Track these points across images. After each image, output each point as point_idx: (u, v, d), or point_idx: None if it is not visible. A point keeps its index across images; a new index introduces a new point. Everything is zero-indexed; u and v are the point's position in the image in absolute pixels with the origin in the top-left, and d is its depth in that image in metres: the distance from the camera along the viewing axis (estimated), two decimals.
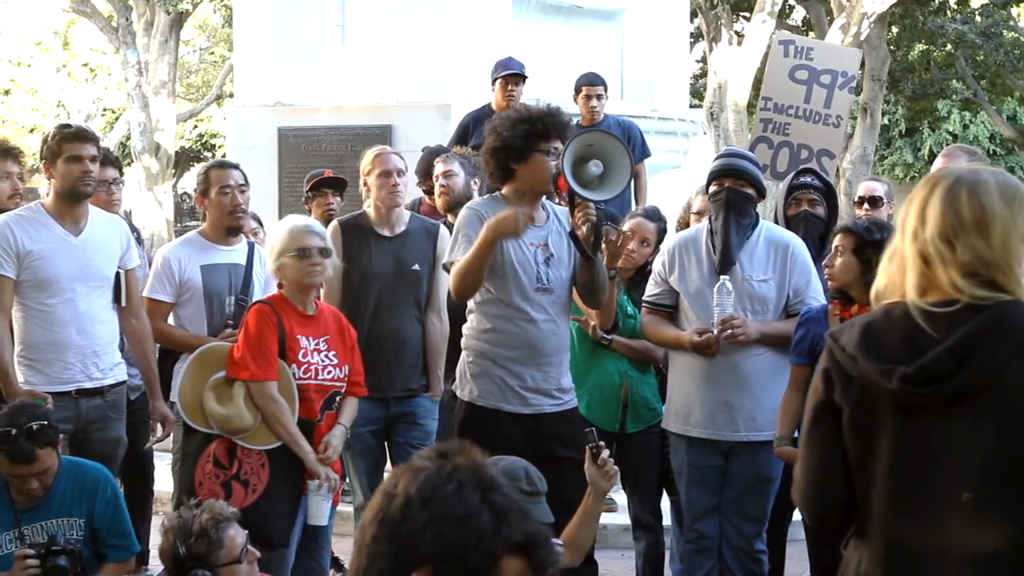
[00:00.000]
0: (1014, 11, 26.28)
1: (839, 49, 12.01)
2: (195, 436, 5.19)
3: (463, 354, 5.23)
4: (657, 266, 5.62)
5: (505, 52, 9.08)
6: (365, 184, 6.24)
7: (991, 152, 30.36)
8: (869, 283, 4.65)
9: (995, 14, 24.34)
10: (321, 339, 5.28)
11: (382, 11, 10.36)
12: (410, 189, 6.66)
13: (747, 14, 21.27)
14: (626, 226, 5.96)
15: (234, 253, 5.95)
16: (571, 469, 4.65)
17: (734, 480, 5.40)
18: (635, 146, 8.70)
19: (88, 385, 5.63)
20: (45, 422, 4.71)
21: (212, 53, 33.70)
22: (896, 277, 2.87)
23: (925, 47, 24.94)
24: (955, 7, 23.73)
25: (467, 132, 8.55)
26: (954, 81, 26.79)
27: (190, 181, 34.31)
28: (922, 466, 2.79)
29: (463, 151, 7.34)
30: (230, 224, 5.94)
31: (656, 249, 5.97)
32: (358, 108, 10.28)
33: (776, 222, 5.88)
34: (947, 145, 21.15)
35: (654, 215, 6.25)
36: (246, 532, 4.27)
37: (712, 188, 5.50)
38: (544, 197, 5.25)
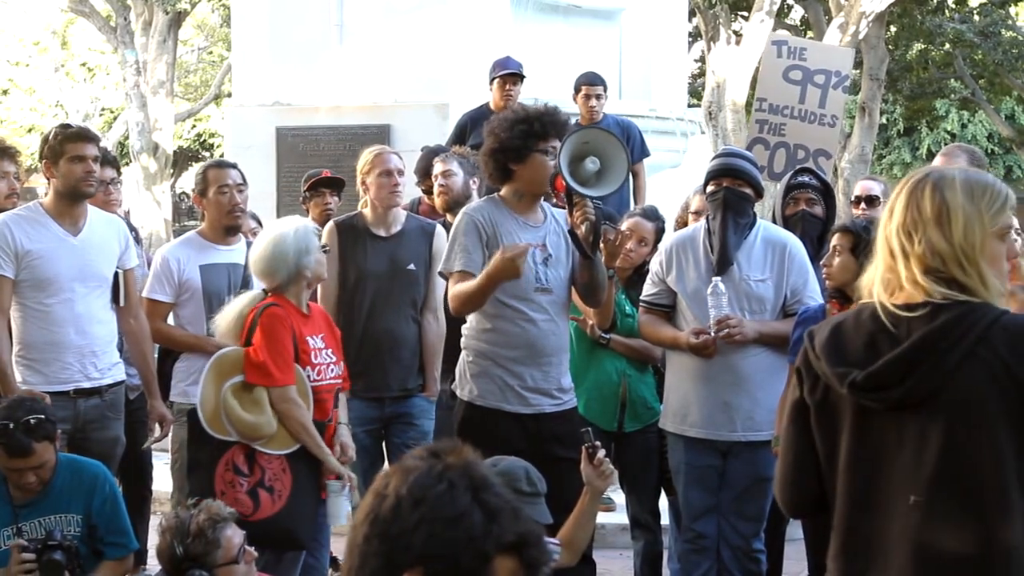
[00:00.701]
0: (1012, 10, 26.28)
1: (832, 49, 12.03)
2: (207, 442, 5.08)
3: (463, 354, 5.23)
4: (655, 266, 5.62)
5: (503, 52, 9.08)
6: (363, 184, 6.24)
7: (989, 151, 30.34)
8: None
9: (993, 13, 24.35)
10: (319, 337, 5.28)
11: (380, 11, 10.36)
12: (408, 189, 6.66)
13: (745, 13, 21.27)
14: (624, 225, 5.96)
15: (233, 253, 5.95)
16: (571, 469, 4.64)
17: (732, 480, 5.40)
18: (634, 145, 8.70)
19: (86, 385, 5.63)
20: (43, 416, 4.71)
21: (210, 53, 33.68)
22: (871, 276, 2.88)
23: (923, 46, 24.94)
24: (953, 6, 23.74)
25: (465, 132, 8.55)
26: (952, 80, 26.81)
27: (188, 181, 34.30)
28: (875, 467, 2.82)
29: (461, 151, 7.34)
30: (228, 224, 5.94)
31: (654, 248, 5.97)
32: (356, 108, 10.28)
33: (774, 221, 5.87)
34: (945, 144, 21.18)
35: (652, 214, 6.25)
36: (244, 532, 4.27)
37: (710, 188, 5.49)
38: (542, 199, 5.26)
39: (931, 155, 28.58)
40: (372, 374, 6.11)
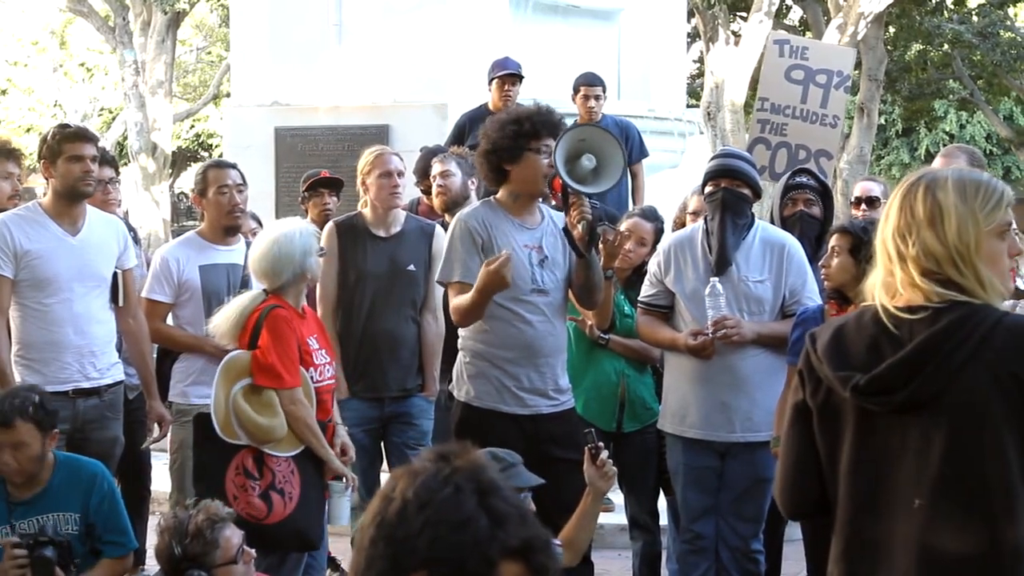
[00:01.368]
0: (1011, 11, 26.29)
1: (834, 49, 12.01)
2: (215, 446, 5.05)
3: (460, 355, 5.24)
4: (652, 267, 5.61)
5: (502, 52, 9.08)
6: (363, 184, 6.25)
7: (988, 152, 30.36)
8: None
9: (992, 14, 24.37)
10: (313, 337, 5.28)
11: (379, 11, 10.36)
12: (407, 189, 6.66)
13: (744, 14, 21.28)
14: (623, 226, 5.96)
15: (232, 253, 5.94)
16: (569, 470, 4.65)
17: (731, 481, 5.40)
18: (633, 146, 8.71)
19: (85, 385, 5.63)
20: (36, 401, 4.69)
21: (209, 53, 33.69)
22: (872, 279, 2.88)
23: (922, 47, 24.95)
24: (952, 7, 23.75)
25: (463, 132, 8.55)
26: (951, 81, 26.82)
27: (187, 181, 34.31)
28: (879, 470, 2.82)
29: (460, 151, 7.34)
30: (228, 224, 5.94)
31: (653, 249, 5.96)
32: (355, 108, 10.28)
33: (772, 222, 5.87)
34: (944, 145, 21.19)
35: (651, 215, 6.25)
36: (242, 533, 4.27)
37: (708, 188, 5.49)
38: (540, 200, 5.26)
39: (930, 156, 28.60)
40: (371, 374, 6.12)
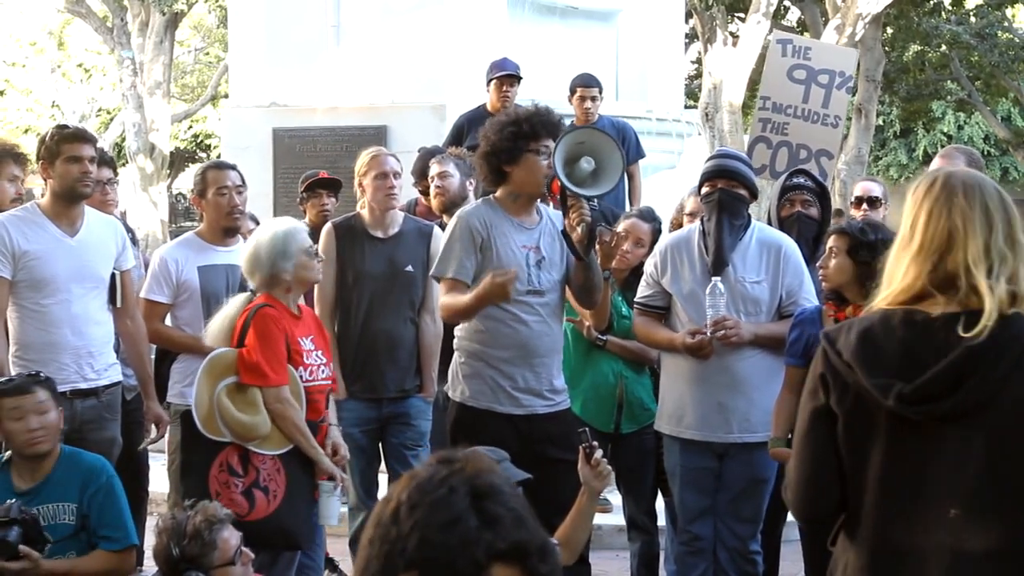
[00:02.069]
0: (1008, 12, 26.30)
1: (836, 49, 12.00)
2: (200, 444, 5.08)
3: (455, 355, 5.24)
4: (649, 267, 5.61)
5: (500, 53, 9.09)
6: (360, 185, 6.25)
7: (986, 153, 30.35)
8: (863, 284, 4.70)
9: (990, 15, 24.38)
10: (308, 339, 5.28)
11: (378, 12, 10.37)
12: (406, 190, 6.66)
13: (742, 15, 21.28)
14: (620, 227, 5.96)
15: (231, 254, 5.93)
16: (565, 470, 4.65)
17: (728, 481, 5.40)
18: (629, 147, 8.70)
19: (83, 386, 5.63)
20: (44, 376, 4.93)
21: (207, 54, 33.68)
22: (897, 280, 2.86)
23: (920, 48, 24.95)
24: (950, 8, 23.76)
25: (462, 133, 8.55)
26: (949, 82, 26.82)
27: (185, 182, 34.36)
28: (912, 478, 2.79)
29: (458, 152, 7.34)
30: (227, 225, 5.94)
31: (651, 250, 5.96)
32: (353, 109, 10.29)
33: (769, 223, 5.87)
34: (942, 146, 21.21)
35: (648, 216, 6.25)
36: (240, 534, 4.27)
37: (704, 189, 5.49)
38: (539, 201, 5.26)
39: (928, 157, 28.63)
40: (369, 375, 6.13)
